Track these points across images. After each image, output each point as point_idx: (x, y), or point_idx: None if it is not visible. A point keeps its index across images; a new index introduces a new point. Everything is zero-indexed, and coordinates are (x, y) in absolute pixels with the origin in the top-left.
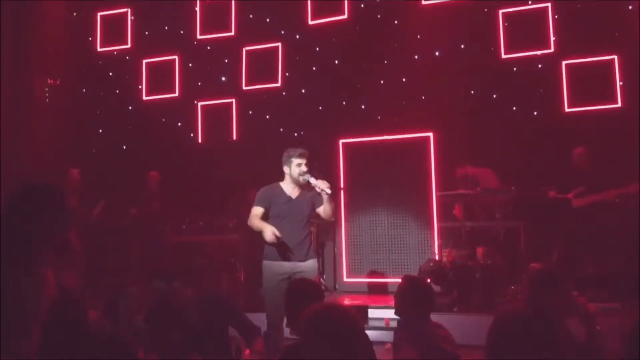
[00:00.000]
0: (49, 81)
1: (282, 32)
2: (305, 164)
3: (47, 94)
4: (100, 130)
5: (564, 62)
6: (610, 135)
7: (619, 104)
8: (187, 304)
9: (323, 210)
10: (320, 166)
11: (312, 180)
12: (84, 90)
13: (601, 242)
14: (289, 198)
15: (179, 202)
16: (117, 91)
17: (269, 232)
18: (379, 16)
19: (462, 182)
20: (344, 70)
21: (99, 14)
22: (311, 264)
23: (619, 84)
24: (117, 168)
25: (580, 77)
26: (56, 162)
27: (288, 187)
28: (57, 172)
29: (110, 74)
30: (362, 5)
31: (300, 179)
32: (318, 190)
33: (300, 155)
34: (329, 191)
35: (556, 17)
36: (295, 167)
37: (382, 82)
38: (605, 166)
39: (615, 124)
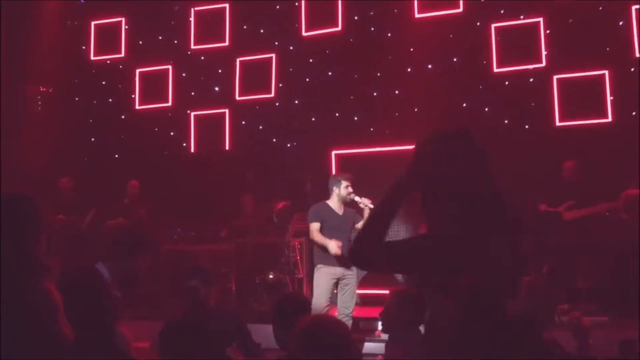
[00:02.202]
0: (42, 89)
1: (276, 43)
2: (351, 186)
3: (40, 102)
4: (93, 139)
5: (555, 77)
6: (600, 149)
7: (610, 119)
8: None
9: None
10: (314, 178)
11: (357, 198)
12: (77, 98)
13: (591, 255)
14: (337, 214)
15: (170, 212)
16: (110, 100)
17: (334, 246)
18: (372, 29)
19: None
20: (337, 82)
21: (93, 23)
22: (355, 270)
23: (609, 98)
24: (109, 177)
25: (571, 92)
26: (48, 170)
27: (335, 205)
28: (49, 180)
29: (104, 82)
30: (356, 18)
31: (348, 197)
32: (362, 206)
33: (348, 179)
34: (372, 206)
35: (548, 32)
36: (344, 188)
37: (375, 94)
38: (596, 180)
39: (606, 139)
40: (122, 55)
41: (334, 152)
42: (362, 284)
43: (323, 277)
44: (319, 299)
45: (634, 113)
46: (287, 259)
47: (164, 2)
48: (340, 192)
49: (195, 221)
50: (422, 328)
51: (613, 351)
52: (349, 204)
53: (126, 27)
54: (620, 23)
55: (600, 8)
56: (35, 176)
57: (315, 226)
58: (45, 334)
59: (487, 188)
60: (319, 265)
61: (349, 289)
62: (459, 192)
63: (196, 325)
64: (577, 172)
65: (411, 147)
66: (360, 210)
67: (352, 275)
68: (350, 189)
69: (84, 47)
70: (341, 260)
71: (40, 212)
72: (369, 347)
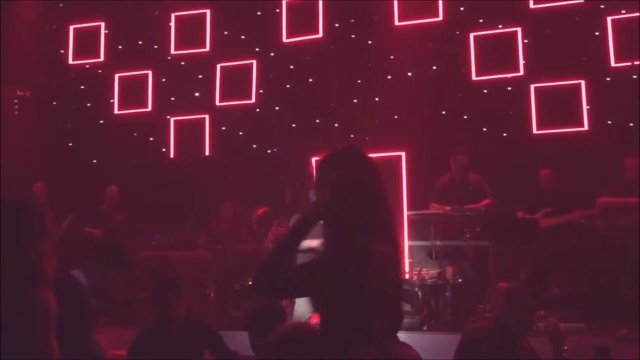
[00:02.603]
0: (19, 93)
1: (257, 49)
2: None
3: (16, 106)
4: (71, 144)
5: (532, 86)
6: (576, 157)
7: (586, 128)
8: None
9: None
10: (292, 183)
11: None
12: (54, 103)
13: (567, 262)
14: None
15: (149, 217)
16: (89, 105)
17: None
18: (353, 36)
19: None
20: (318, 89)
21: (71, 27)
22: None
23: (585, 108)
24: (87, 182)
25: (548, 101)
26: (25, 175)
27: None
28: (26, 185)
29: (82, 87)
30: (337, 25)
31: None
32: None
33: None
34: None
35: (526, 41)
36: None
37: (355, 101)
38: (572, 188)
39: (582, 147)
40: (101, 59)
41: (314, 159)
42: None
43: None
44: (302, 307)
45: (609, 122)
46: None
47: (144, 7)
48: None
49: (174, 227)
50: (399, 335)
51: (588, 357)
52: None
53: (105, 31)
54: (597, 33)
55: (577, 18)
56: (11, 181)
57: None
58: (36, 348)
59: (381, 212)
60: None
61: None
62: (351, 216)
63: (166, 335)
64: (553, 180)
65: (392, 154)
66: None
67: None
68: None
69: (62, 51)
70: None
71: (43, 216)
72: None
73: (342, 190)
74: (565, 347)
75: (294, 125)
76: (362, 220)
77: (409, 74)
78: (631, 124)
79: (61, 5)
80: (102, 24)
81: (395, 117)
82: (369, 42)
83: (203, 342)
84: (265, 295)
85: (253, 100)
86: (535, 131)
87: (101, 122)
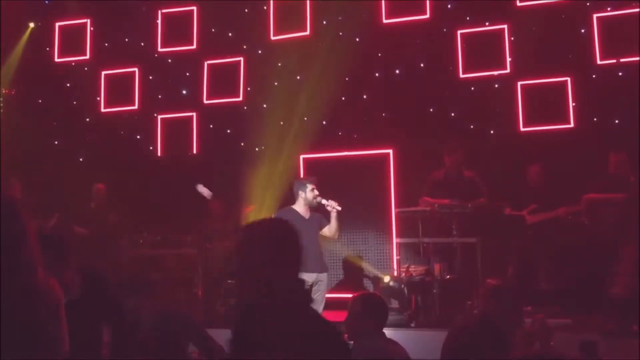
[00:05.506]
0: (3, 91)
1: (244, 46)
2: (316, 188)
3: (1, 104)
4: (57, 142)
5: (519, 83)
6: (563, 154)
7: (572, 124)
8: (143, 320)
9: (329, 229)
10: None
11: (324, 201)
12: (40, 100)
13: (553, 258)
14: (304, 218)
15: (136, 216)
16: (75, 102)
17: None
18: (340, 33)
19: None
20: (305, 86)
21: (57, 24)
22: (326, 275)
23: (571, 104)
24: (73, 181)
25: (535, 98)
26: (10, 173)
27: (302, 209)
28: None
29: (68, 84)
30: (324, 23)
31: (315, 201)
32: (329, 208)
33: (313, 182)
34: (339, 208)
35: (512, 38)
36: (310, 192)
37: (343, 98)
38: (558, 184)
39: (568, 144)
40: (87, 57)
41: (302, 157)
42: (329, 289)
43: None
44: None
45: (595, 119)
46: None
47: (130, 4)
48: (306, 196)
49: (163, 225)
50: (386, 331)
51: (574, 352)
52: (315, 208)
53: (91, 28)
54: (582, 31)
55: (563, 16)
56: None
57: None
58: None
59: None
60: None
61: (320, 295)
62: None
63: (134, 336)
64: (540, 176)
65: (379, 151)
66: (327, 214)
67: (323, 280)
68: (316, 192)
69: (48, 49)
70: (313, 266)
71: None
72: None
73: None
74: (552, 343)
75: (281, 122)
76: None
77: (397, 71)
78: (616, 121)
79: (47, 2)
80: (88, 21)
81: (383, 114)
82: (357, 39)
83: (179, 335)
84: None
85: (241, 97)
86: (522, 128)
87: (87, 120)
